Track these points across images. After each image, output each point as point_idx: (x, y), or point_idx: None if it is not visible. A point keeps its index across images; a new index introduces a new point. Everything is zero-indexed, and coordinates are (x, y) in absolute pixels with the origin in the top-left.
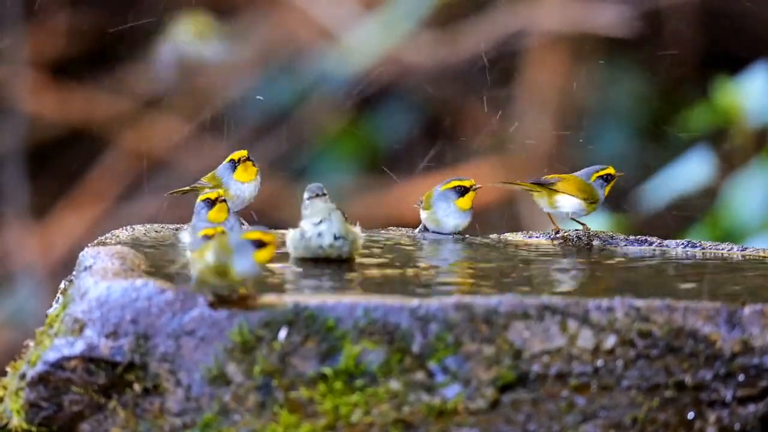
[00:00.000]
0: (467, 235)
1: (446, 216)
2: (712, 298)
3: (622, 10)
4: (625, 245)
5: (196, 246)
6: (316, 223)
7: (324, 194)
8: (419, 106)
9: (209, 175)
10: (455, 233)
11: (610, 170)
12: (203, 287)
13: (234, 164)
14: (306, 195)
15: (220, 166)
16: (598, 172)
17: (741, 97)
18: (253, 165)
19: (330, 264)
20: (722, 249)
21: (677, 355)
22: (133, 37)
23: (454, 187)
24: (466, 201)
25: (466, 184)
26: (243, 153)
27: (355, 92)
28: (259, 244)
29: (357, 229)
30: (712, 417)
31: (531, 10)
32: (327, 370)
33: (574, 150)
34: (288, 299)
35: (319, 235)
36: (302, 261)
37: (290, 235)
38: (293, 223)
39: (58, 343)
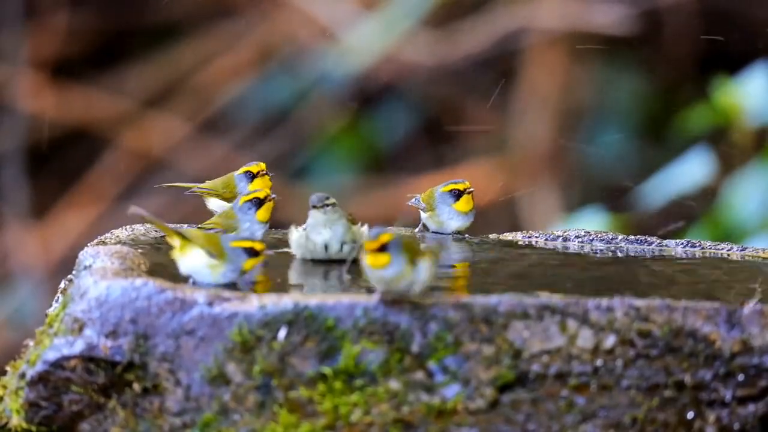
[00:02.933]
0: (467, 235)
1: (450, 219)
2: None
3: (621, 10)
4: (625, 245)
5: None
6: (319, 233)
7: (325, 205)
8: (419, 106)
9: (223, 179)
10: (455, 233)
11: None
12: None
13: (251, 176)
14: (310, 204)
15: (236, 173)
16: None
17: (740, 97)
18: (270, 179)
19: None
20: (722, 249)
21: (677, 354)
22: (134, 37)
23: (451, 191)
24: (462, 204)
25: (460, 187)
26: (261, 166)
27: (355, 91)
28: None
29: (364, 230)
30: (711, 417)
31: (530, 10)
32: (326, 369)
33: (574, 149)
34: (287, 299)
35: (326, 247)
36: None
37: (294, 236)
38: (292, 223)
39: (58, 342)
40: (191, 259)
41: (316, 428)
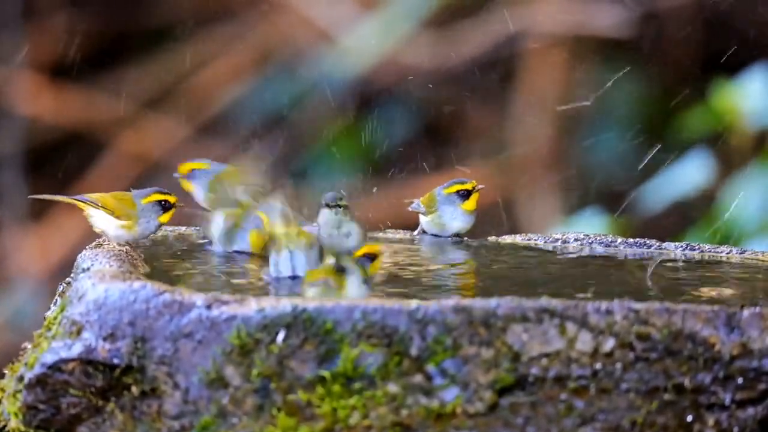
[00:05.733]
0: (466, 237)
1: (453, 219)
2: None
3: (621, 13)
4: (624, 248)
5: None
6: (330, 234)
7: (338, 206)
8: (418, 108)
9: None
10: (454, 235)
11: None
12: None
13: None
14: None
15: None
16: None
17: (739, 100)
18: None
19: None
20: (721, 252)
21: (676, 358)
22: (133, 39)
23: (458, 191)
24: (471, 203)
25: (469, 186)
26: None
27: (354, 94)
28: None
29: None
30: (711, 420)
31: (530, 12)
32: (325, 373)
33: (573, 152)
34: (286, 302)
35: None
36: None
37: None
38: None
39: (56, 345)
40: (99, 221)
41: (314, 431)
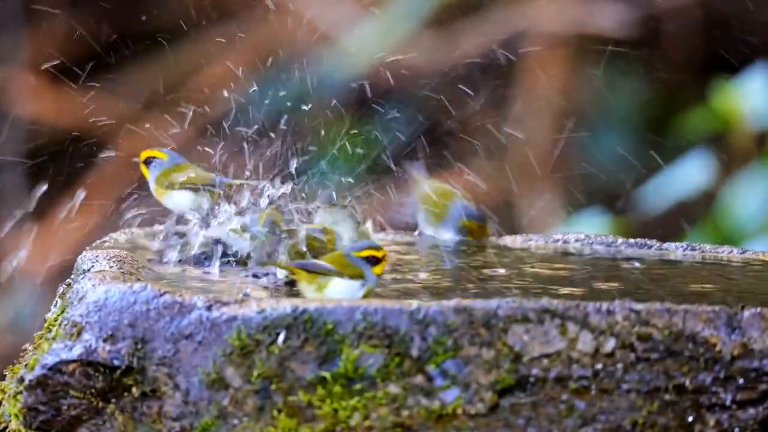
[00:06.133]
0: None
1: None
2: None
3: (622, 13)
4: (625, 248)
5: None
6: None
7: (333, 204)
8: (419, 108)
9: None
10: (455, 236)
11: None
12: None
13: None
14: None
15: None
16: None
17: (740, 100)
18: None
19: None
20: (722, 252)
21: (677, 358)
22: (133, 39)
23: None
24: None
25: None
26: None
27: (353, 94)
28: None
29: (368, 228)
30: (711, 420)
31: (531, 13)
32: (326, 373)
33: (573, 152)
34: (286, 303)
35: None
36: None
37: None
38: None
39: (56, 346)
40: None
41: None
